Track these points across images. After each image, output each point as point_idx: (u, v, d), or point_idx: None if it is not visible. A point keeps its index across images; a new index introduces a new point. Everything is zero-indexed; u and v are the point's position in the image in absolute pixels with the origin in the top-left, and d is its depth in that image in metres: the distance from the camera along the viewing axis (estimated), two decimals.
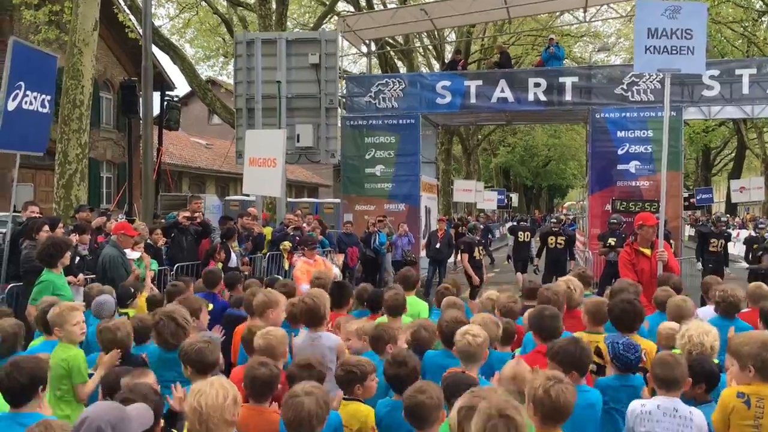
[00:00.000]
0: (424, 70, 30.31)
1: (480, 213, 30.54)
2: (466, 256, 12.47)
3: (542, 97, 16.14)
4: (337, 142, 14.10)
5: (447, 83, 16.68)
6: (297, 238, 12.49)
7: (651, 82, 15.51)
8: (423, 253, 16.50)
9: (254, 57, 13.76)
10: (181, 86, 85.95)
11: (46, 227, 7.01)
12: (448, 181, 29.89)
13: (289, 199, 17.26)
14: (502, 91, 16.35)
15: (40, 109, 7.13)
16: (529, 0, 17.14)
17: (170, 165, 26.71)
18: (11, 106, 6.69)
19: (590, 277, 6.74)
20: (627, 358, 3.82)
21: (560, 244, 12.46)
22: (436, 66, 31.20)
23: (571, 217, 43.87)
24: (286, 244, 12.03)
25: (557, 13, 24.08)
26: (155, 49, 17.17)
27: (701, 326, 4.02)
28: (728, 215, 25.76)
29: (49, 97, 7.32)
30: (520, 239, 14.88)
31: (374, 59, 25.31)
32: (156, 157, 19.75)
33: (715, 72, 15.28)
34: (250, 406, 3.62)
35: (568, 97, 16.05)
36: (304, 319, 4.67)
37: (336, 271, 8.80)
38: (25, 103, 6.86)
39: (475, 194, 27.03)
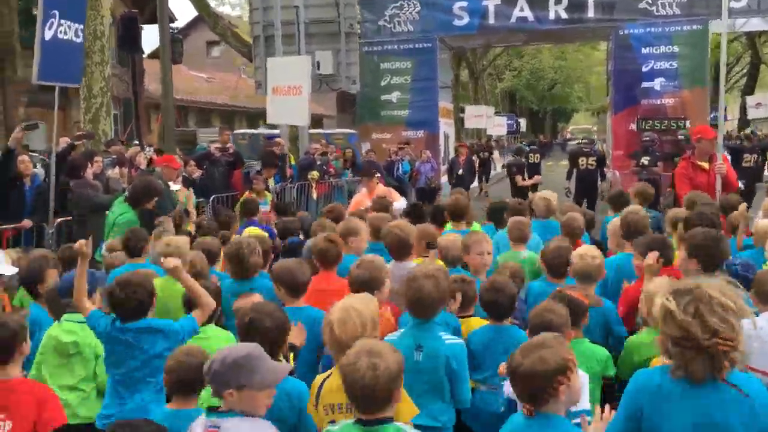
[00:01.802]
0: None
1: (489, 138, 30.18)
2: (519, 177, 13.08)
3: (564, 15, 15.64)
4: (357, 68, 13.73)
5: (464, 3, 16.11)
6: (324, 166, 12.38)
7: None
8: (444, 180, 16.36)
9: None
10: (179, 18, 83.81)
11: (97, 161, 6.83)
12: (457, 107, 29.46)
13: None
14: (522, 10, 15.83)
15: (74, 39, 6.84)
16: None
17: (174, 100, 26.29)
18: (48, 35, 6.40)
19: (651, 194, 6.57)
20: (747, 279, 3.67)
21: (591, 164, 12.27)
22: None
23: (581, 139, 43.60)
24: (315, 174, 11.90)
25: None
26: None
27: None
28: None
29: (81, 26, 7.01)
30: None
31: None
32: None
33: None
34: None
35: (590, 13, 15.55)
36: (392, 250, 4.53)
37: (401, 203, 8.57)
38: (60, 32, 6.56)
39: (486, 120, 26.74)
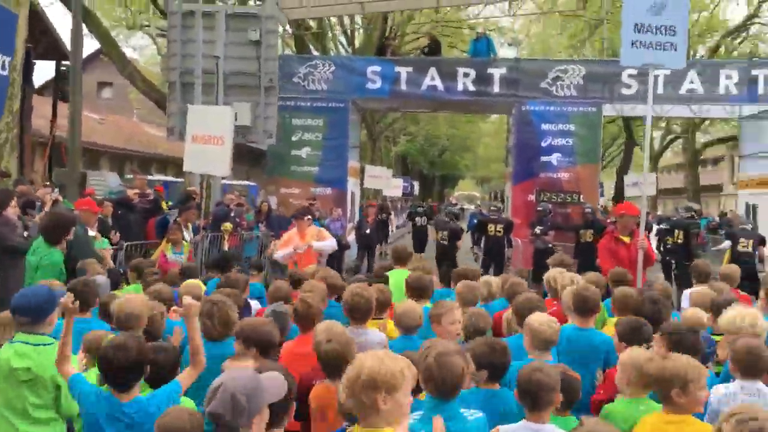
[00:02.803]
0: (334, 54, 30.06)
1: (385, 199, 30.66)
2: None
3: (471, 87, 16.42)
4: (275, 122, 13.71)
5: (377, 68, 16.63)
6: (237, 218, 12.13)
7: (573, 77, 16.18)
8: (351, 238, 16.41)
9: (192, 29, 13.10)
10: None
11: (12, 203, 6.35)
12: (361, 167, 29.87)
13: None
14: (432, 79, 16.48)
15: (0, 72, 6.42)
16: None
17: (64, 139, 25.01)
18: None
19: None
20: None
21: (499, 231, 12.79)
22: (344, 52, 31.04)
23: (459, 206, 45.20)
24: (228, 226, 11.63)
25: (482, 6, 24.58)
26: (53, 14, 15.92)
27: (751, 311, 4.20)
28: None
29: (9, 59, 6.61)
30: (417, 224, 17.59)
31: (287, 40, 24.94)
32: (50, 130, 18.55)
33: (634, 72, 16.08)
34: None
35: (496, 88, 16.42)
36: (349, 314, 4.47)
37: (330, 243, 8.52)
38: None
39: (385, 181, 27.19)
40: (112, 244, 8.37)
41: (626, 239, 7.19)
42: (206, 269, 7.82)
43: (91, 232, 7.68)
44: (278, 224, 13.94)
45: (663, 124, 32.00)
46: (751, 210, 17.15)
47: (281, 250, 8.35)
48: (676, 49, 6.79)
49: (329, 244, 8.38)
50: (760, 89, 15.59)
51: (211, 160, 10.79)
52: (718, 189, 46.17)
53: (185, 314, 3.48)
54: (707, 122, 29.96)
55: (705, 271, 6.78)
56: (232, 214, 11.71)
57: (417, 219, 18.66)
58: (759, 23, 27.43)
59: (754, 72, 15.69)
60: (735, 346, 3.58)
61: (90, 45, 26.25)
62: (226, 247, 11.67)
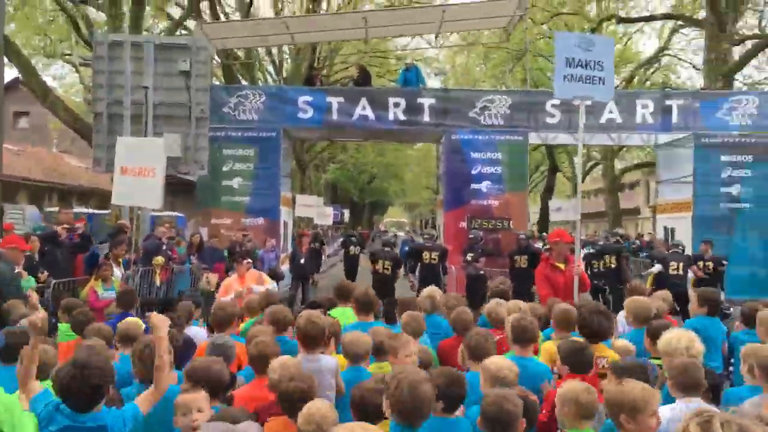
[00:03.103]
0: (262, 84, 30.01)
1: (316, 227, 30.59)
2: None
3: (401, 116, 16.66)
4: (207, 153, 13.50)
5: (309, 98, 16.68)
6: (168, 251, 11.85)
7: (500, 107, 16.66)
8: (284, 268, 16.26)
9: (119, 60, 12.82)
10: None
11: None
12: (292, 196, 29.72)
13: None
14: (364, 108, 16.66)
15: None
16: (387, 23, 17.68)
17: None
18: None
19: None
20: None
21: (434, 259, 12.91)
22: (272, 82, 31.04)
23: (393, 233, 45.51)
24: (160, 260, 11.35)
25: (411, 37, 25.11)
26: None
27: (687, 333, 4.39)
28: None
29: None
30: (350, 253, 18.19)
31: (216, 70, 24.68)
32: None
33: (557, 102, 16.70)
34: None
35: (426, 117, 16.71)
36: (302, 341, 4.45)
37: (269, 286, 8.43)
38: None
39: (317, 209, 27.14)
40: (38, 282, 8.02)
41: (561, 266, 7.41)
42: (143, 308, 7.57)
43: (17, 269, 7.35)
44: (211, 257, 13.71)
45: (584, 151, 33.23)
46: (669, 233, 17.94)
47: (223, 298, 8.29)
48: (604, 83, 7.11)
49: (269, 287, 8.31)
50: (674, 118, 16.45)
51: (141, 192, 10.56)
52: (636, 212, 48.18)
53: (153, 328, 3.44)
54: (624, 149, 31.31)
55: (641, 293, 7.07)
56: (164, 247, 11.42)
57: (351, 248, 18.85)
58: (669, 55, 29.01)
59: (667, 102, 16.55)
60: (672, 366, 3.74)
61: (7, 74, 25.33)
62: (157, 282, 11.38)
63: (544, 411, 4.05)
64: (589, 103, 16.11)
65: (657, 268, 12.75)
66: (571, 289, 7.14)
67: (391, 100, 16.74)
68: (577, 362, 4.35)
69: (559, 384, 4.19)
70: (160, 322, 3.48)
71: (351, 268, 18.65)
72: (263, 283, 8.38)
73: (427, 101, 16.76)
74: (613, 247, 12.85)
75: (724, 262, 13.61)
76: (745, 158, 16.23)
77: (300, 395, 3.37)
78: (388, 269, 12.74)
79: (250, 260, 8.81)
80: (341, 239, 24.12)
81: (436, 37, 19.27)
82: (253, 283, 8.19)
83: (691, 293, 6.53)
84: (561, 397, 3.55)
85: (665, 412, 3.59)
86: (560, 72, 7.06)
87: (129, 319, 5.35)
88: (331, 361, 4.48)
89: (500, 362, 4.03)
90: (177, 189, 28.28)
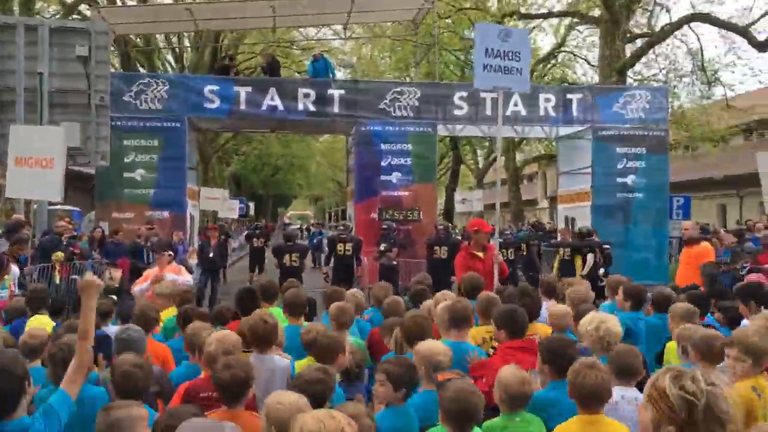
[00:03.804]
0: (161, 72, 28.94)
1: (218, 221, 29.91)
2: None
3: (311, 107, 16.50)
4: (108, 143, 12.86)
5: (215, 87, 16.24)
6: (70, 247, 11.24)
7: (410, 99, 16.80)
8: (193, 262, 15.75)
9: (11, 44, 11.95)
10: None
11: None
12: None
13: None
14: (272, 99, 16.39)
15: None
16: (296, 12, 17.43)
17: None
18: None
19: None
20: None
21: (348, 250, 12.89)
22: (171, 71, 30.02)
23: (295, 225, 45.20)
24: (59, 255, 10.73)
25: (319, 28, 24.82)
26: None
27: (598, 315, 4.55)
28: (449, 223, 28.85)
29: None
30: (254, 245, 18.36)
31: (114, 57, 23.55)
32: None
33: (464, 93, 17.02)
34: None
35: (335, 108, 16.63)
36: (253, 341, 4.29)
37: (185, 279, 8.10)
38: None
39: (222, 202, 26.51)
40: None
41: (480, 254, 7.55)
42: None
43: None
44: (114, 252, 13.11)
45: (486, 143, 34.07)
46: (570, 222, 18.69)
47: (139, 285, 7.96)
48: (521, 74, 7.27)
49: (185, 280, 8.01)
50: (574, 112, 17.14)
51: (39, 184, 10.00)
52: (534, 203, 49.99)
53: (82, 289, 3.25)
54: (524, 142, 32.33)
55: (553, 286, 7.31)
56: (65, 243, 10.80)
57: (254, 240, 18.70)
58: (566, 51, 30.15)
59: (568, 96, 17.22)
60: (611, 354, 3.86)
61: None
62: (57, 279, 10.77)
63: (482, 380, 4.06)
64: (494, 95, 16.76)
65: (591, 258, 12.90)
66: (491, 277, 7.28)
67: (301, 91, 16.55)
68: (514, 326, 4.41)
69: (499, 351, 4.28)
70: (91, 284, 3.26)
71: (256, 260, 18.63)
72: (182, 276, 8.09)
73: (337, 92, 16.67)
74: (526, 236, 13.26)
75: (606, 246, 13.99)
76: (639, 150, 17.12)
77: (238, 384, 3.25)
78: (296, 261, 12.73)
79: (171, 252, 8.47)
80: (246, 232, 23.74)
81: (344, 28, 19.16)
82: (172, 273, 7.89)
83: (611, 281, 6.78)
84: (498, 382, 3.60)
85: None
86: (480, 62, 7.15)
87: (31, 328, 4.98)
88: (282, 360, 4.36)
89: (435, 346, 4.04)
90: (70, 181, 26.92)
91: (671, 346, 4.87)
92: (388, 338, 5.04)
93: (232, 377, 3.24)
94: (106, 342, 4.90)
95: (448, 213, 32.42)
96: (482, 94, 17.09)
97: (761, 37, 20.92)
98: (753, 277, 7.52)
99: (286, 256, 12.80)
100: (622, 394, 3.67)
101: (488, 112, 16.98)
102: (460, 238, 15.22)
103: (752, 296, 5.72)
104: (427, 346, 4.00)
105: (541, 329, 5.00)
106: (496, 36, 7.14)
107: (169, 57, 31.44)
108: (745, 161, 29.47)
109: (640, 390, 3.01)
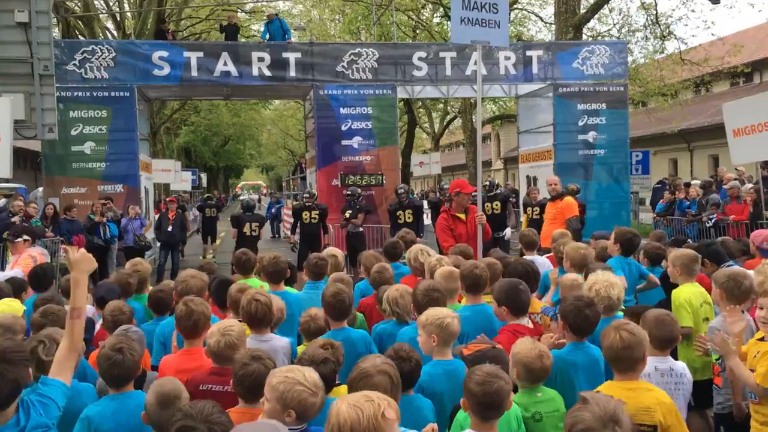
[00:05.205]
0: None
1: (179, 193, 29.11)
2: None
3: (266, 72, 15.95)
4: (55, 114, 12.12)
5: (164, 54, 15.53)
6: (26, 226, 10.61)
7: (368, 61, 16.34)
8: (150, 236, 15.20)
9: None
10: None
11: None
12: None
13: None
14: (225, 64, 15.76)
15: None
16: None
17: None
18: None
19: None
20: None
21: (314, 218, 12.55)
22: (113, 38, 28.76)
23: (257, 196, 44.44)
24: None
25: None
26: None
27: (607, 279, 4.32)
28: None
29: None
30: (207, 215, 18.59)
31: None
32: None
33: (423, 54, 16.65)
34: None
35: (292, 72, 16.10)
36: (248, 322, 3.98)
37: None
38: None
39: (174, 174, 25.77)
40: None
41: (462, 216, 7.30)
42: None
43: None
44: (68, 229, 12.49)
45: (441, 105, 33.78)
46: (532, 181, 18.64)
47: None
48: (499, 27, 6.95)
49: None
50: (534, 69, 16.95)
51: None
52: (489, 164, 50.17)
53: (72, 264, 2.98)
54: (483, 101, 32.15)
55: (532, 240, 7.16)
56: (15, 221, 10.17)
57: (207, 210, 18.44)
58: (518, 8, 29.87)
59: (528, 53, 17.00)
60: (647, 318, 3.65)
61: None
62: (10, 258, 10.15)
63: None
64: (453, 54, 16.43)
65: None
66: (474, 239, 7.05)
67: (255, 55, 15.95)
68: (516, 303, 4.17)
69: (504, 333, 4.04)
70: (82, 259, 2.97)
71: (209, 231, 18.76)
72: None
73: (293, 55, 16.12)
74: (498, 195, 13.11)
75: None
76: (599, 106, 17.08)
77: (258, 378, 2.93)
78: (255, 231, 12.55)
79: (28, 237, 8.08)
80: (198, 204, 23.23)
81: None
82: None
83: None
84: (513, 360, 3.36)
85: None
86: (456, 14, 6.77)
87: (3, 315, 4.54)
88: (282, 340, 4.12)
89: (443, 312, 3.77)
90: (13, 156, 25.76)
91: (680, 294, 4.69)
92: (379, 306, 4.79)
93: (257, 375, 2.94)
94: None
95: (405, 177, 32.14)
96: (441, 54, 16.77)
97: None
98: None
99: (246, 225, 12.56)
100: (656, 365, 3.48)
101: (448, 72, 16.69)
102: (440, 198, 14.95)
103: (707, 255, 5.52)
104: (437, 312, 3.71)
105: (537, 306, 4.80)
106: None
107: (110, 25, 30.07)
108: (696, 115, 30.00)
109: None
